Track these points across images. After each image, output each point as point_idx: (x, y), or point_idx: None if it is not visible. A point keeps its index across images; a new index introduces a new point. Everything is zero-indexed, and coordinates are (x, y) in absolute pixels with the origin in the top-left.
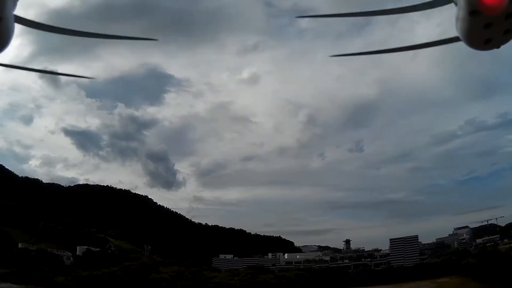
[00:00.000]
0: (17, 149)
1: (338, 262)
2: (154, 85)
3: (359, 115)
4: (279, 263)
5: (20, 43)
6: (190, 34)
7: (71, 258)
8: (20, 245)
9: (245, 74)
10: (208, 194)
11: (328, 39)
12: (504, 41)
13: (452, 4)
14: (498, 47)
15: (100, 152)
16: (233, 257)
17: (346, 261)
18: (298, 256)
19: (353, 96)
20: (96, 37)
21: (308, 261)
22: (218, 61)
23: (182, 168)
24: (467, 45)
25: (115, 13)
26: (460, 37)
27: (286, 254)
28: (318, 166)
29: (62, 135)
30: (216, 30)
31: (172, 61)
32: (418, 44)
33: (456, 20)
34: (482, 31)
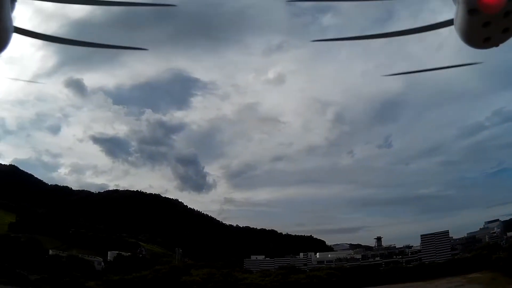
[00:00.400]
0: (45, 158)
1: (370, 260)
2: (180, 89)
3: (386, 110)
4: (311, 262)
5: (44, 55)
6: (214, 37)
7: (102, 263)
8: (50, 251)
9: (270, 74)
10: (238, 195)
11: (351, 35)
12: (503, 39)
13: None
14: (497, 45)
15: (129, 158)
16: (265, 257)
17: (378, 258)
18: (329, 255)
19: (379, 91)
20: (87, 46)
21: (339, 259)
22: (243, 63)
23: (212, 170)
24: (466, 44)
25: (137, 20)
26: (459, 36)
27: (317, 254)
28: (347, 163)
29: (90, 142)
30: (240, 32)
31: (197, 64)
32: (409, 29)
33: (455, 19)
34: (481, 29)
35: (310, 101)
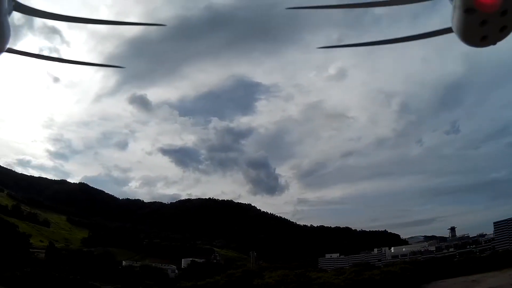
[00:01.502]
0: (115, 173)
1: (444, 251)
2: (243, 95)
3: (450, 94)
4: (385, 258)
5: (103, 75)
6: (271, 39)
7: (176, 271)
8: (124, 263)
9: (332, 70)
10: (311, 195)
11: (404, 21)
12: (500, 38)
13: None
14: (494, 43)
15: (200, 166)
16: (339, 255)
17: (451, 249)
18: (404, 249)
19: (441, 76)
20: (71, 63)
21: (413, 253)
22: (303, 61)
23: (283, 172)
24: (463, 43)
25: (191, 30)
26: (456, 35)
27: (392, 248)
28: (417, 153)
29: (159, 155)
30: (297, 31)
31: (258, 68)
32: (410, 36)
33: (452, 17)
34: (478, 28)
35: (373, 93)
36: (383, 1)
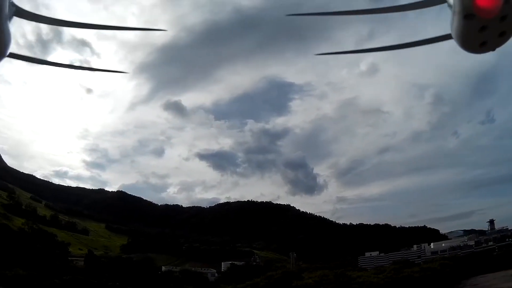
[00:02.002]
0: (153, 180)
1: (483, 245)
2: (277, 95)
3: (483, 83)
4: (424, 254)
5: (136, 84)
6: (303, 37)
7: (216, 274)
8: (163, 268)
9: (363, 67)
10: (349, 193)
11: (431, 13)
12: (500, 44)
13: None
14: (493, 49)
15: (238, 169)
16: (379, 253)
17: (491, 243)
18: (443, 245)
19: (473, 65)
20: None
21: (453, 248)
22: (334, 59)
23: (321, 171)
24: (462, 48)
25: (221, 34)
26: (455, 40)
27: (432, 244)
28: (453, 145)
29: (197, 160)
30: (327, 28)
31: (290, 68)
32: (409, 42)
33: (451, 23)
34: (477, 34)
35: (406, 87)
36: (381, 8)
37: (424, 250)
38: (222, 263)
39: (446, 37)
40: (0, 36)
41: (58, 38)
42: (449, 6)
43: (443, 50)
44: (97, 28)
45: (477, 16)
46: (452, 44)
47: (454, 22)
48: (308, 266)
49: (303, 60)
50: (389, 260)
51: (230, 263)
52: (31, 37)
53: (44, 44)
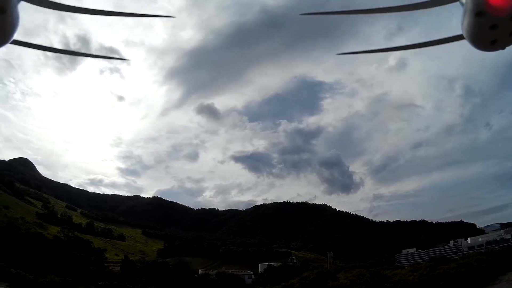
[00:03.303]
0: (188, 185)
1: None
2: (307, 95)
3: (511, 72)
4: (461, 249)
5: (168, 88)
6: (331, 35)
7: (252, 276)
8: (200, 271)
9: (392, 62)
10: (385, 190)
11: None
12: (510, 43)
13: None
14: (503, 48)
15: (273, 170)
16: (416, 250)
17: None
18: (480, 239)
19: (500, 54)
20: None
21: (489, 243)
22: (362, 55)
23: (356, 168)
24: (472, 46)
25: (249, 35)
26: (466, 38)
27: (469, 239)
28: (486, 137)
29: (232, 162)
30: (355, 24)
31: (318, 67)
32: (423, 42)
33: (462, 21)
34: (487, 32)
35: (436, 80)
36: (392, 7)
37: (461, 245)
38: (259, 264)
39: (458, 37)
40: (9, 20)
41: (86, 47)
42: (461, 3)
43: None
44: (103, 14)
45: (488, 14)
46: None
47: (465, 19)
48: (345, 265)
49: (330, 58)
50: (426, 257)
51: (267, 265)
52: (58, 47)
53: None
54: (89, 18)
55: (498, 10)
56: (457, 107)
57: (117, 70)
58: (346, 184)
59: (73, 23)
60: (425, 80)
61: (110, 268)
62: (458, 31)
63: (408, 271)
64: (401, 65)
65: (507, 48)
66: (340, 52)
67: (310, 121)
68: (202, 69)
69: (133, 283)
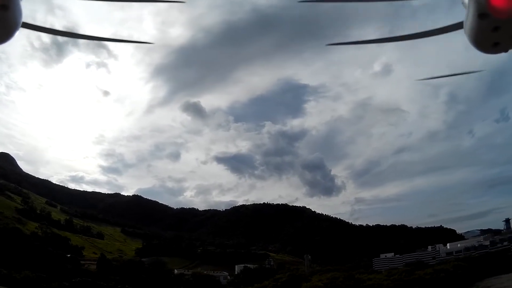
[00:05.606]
0: (169, 184)
1: (498, 245)
2: (292, 97)
3: (497, 80)
4: (439, 255)
5: (154, 85)
6: (321, 37)
7: (228, 277)
8: (176, 271)
9: (377, 67)
10: (367, 193)
11: (440, 10)
12: None
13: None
14: (506, 51)
15: (255, 172)
16: (394, 255)
17: (506, 243)
18: (458, 245)
19: (485, 62)
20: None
21: (467, 248)
22: (348, 60)
23: (339, 172)
24: (475, 47)
25: (239, 34)
26: (468, 39)
27: (448, 244)
28: (469, 144)
29: (214, 163)
30: (343, 27)
31: (306, 69)
32: (418, 32)
33: (465, 22)
34: (490, 34)
35: (421, 86)
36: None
37: (439, 251)
38: (236, 266)
39: (457, 26)
40: (12, 16)
41: (74, 40)
42: (464, 5)
43: (455, 48)
44: (81, 38)
45: (491, 16)
46: (464, 42)
47: (467, 20)
48: (321, 268)
49: (319, 60)
50: (403, 262)
51: (243, 266)
52: (46, 40)
53: (59, 46)
54: (78, 11)
55: (501, 12)
56: (442, 114)
57: (104, 65)
58: (327, 187)
59: (61, 15)
60: (409, 86)
61: (86, 266)
62: (451, 37)
63: (384, 275)
64: (386, 71)
65: (493, 56)
66: (330, 43)
67: (294, 124)
68: (190, 67)
69: (107, 281)
